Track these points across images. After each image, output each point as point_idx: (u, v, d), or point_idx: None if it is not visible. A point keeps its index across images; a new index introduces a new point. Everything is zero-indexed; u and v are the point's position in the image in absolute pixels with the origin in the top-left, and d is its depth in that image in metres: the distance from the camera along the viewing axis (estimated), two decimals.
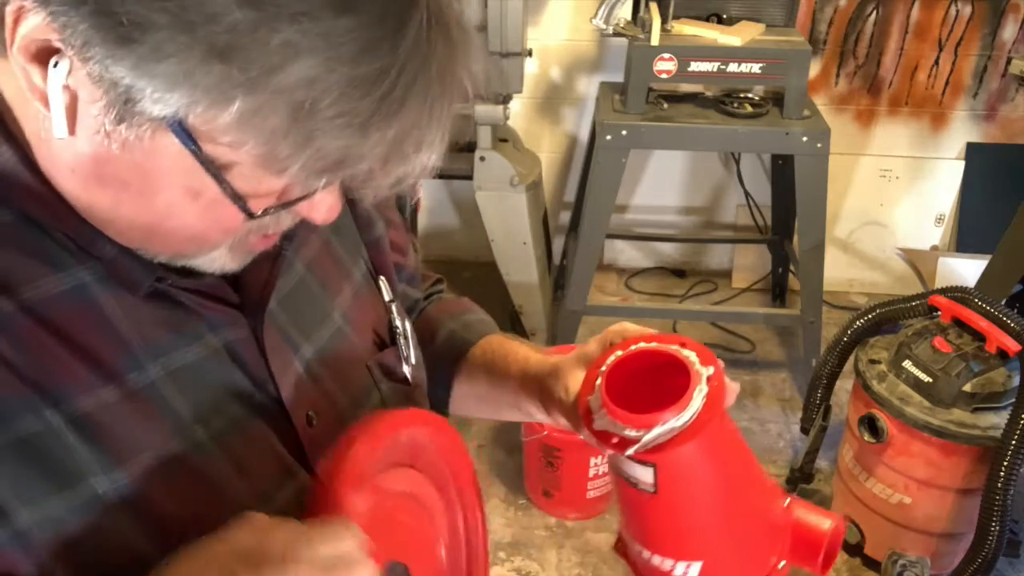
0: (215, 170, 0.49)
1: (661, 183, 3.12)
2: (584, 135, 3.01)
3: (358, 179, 0.51)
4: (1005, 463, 1.74)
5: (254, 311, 0.62)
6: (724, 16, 2.48)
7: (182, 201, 0.52)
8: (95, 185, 0.52)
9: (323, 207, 0.56)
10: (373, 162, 0.49)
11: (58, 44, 0.46)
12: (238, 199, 0.51)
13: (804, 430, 2.24)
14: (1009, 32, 2.82)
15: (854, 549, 2.15)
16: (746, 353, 2.89)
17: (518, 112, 2.93)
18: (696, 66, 2.34)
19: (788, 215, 2.84)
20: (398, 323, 0.76)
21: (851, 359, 2.08)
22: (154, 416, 0.56)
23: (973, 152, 3.01)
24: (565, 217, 3.14)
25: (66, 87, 0.47)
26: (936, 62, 2.88)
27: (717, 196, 3.16)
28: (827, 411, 2.18)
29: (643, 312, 2.99)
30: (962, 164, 3.02)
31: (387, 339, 0.76)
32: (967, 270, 2.88)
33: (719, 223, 3.21)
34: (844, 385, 2.27)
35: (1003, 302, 2.00)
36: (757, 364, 2.85)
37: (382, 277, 0.78)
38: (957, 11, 2.80)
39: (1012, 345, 1.78)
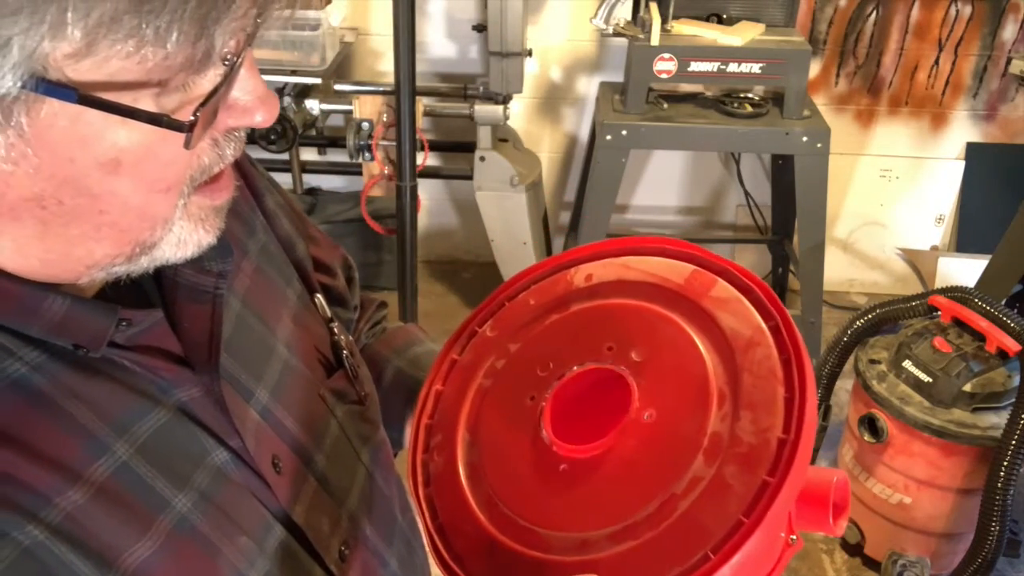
0: (112, 104, 0.42)
1: (661, 183, 3.12)
2: (584, 135, 3.01)
3: (247, 19, 0.44)
4: (1005, 463, 1.74)
5: (204, 367, 0.57)
6: (724, 16, 2.48)
7: (106, 182, 0.45)
8: (12, 226, 0.45)
9: (254, 99, 0.48)
10: None
11: None
12: (157, 119, 0.43)
13: None
14: (1009, 32, 2.82)
15: (854, 549, 2.15)
16: None
17: (518, 112, 2.93)
18: (696, 66, 2.34)
19: (788, 215, 2.84)
20: (341, 340, 0.72)
21: (851, 359, 2.08)
22: (134, 501, 0.51)
23: (973, 152, 3.01)
24: (565, 217, 3.14)
25: None
26: (936, 62, 2.88)
27: (717, 196, 3.15)
28: (827, 411, 2.17)
29: None
30: (962, 164, 3.02)
31: (332, 360, 0.71)
32: (967, 270, 2.88)
33: (719, 223, 3.20)
34: (844, 385, 2.27)
35: (1003, 302, 2.00)
36: None
37: (318, 295, 0.73)
38: (957, 11, 2.80)
39: (1012, 345, 1.78)
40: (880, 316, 2.03)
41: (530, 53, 2.49)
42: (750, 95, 2.51)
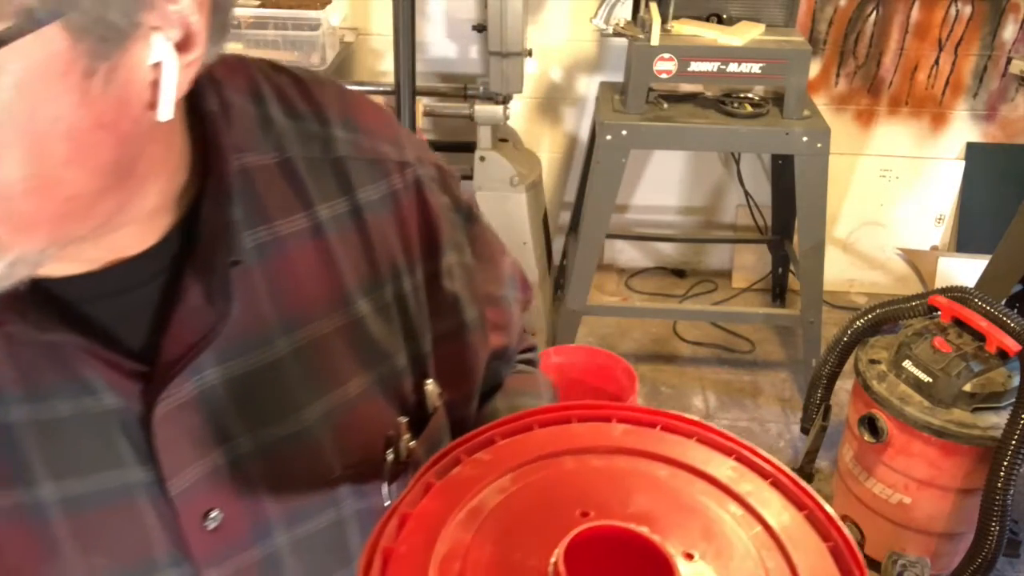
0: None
1: (661, 183, 3.12)
2: (584, 135, 3.01)
3: None
4: (1005, 463, 1.74)
5: (159, 383, 0.52)
6: (724, 16, 2.48)
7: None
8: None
9: None
10: None
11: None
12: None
13: (804, 430, 2.24)
14: (1009, 32, 2.82)
15: None
16: (746, 353, 2.89)
17: (518, 112, 2.93)
18: (696, 66, 2.34)
19: (788, 215, 2.84)
20: (405, 442, 0.62)
21: (851, 359, 2.08)
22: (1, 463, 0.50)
23: (973, 152, 3.01)
24: (565, 217, 3.14)
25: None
26: (936, 62, 2.88)
27: (717, 196, 3.15)
28: (827, 411, 2.17)
29: (643, 312, 2.99)
30: (962, 164, 3.02)
31: (384, 458, 0.62)
32: (967, 270, 2.88)
33: (719, 223, 3.20)
34: (844, 385, 2.27)
35: (1003, 302, 2.00)
36: (757, 364, 2.85)
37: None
38: (957, 11, 2.80)
39: (1012, 345, 1.78)
40: (880, 316, 2.03)
41: (530, 53, 2.49)
42: (750, 95, 2.51)
